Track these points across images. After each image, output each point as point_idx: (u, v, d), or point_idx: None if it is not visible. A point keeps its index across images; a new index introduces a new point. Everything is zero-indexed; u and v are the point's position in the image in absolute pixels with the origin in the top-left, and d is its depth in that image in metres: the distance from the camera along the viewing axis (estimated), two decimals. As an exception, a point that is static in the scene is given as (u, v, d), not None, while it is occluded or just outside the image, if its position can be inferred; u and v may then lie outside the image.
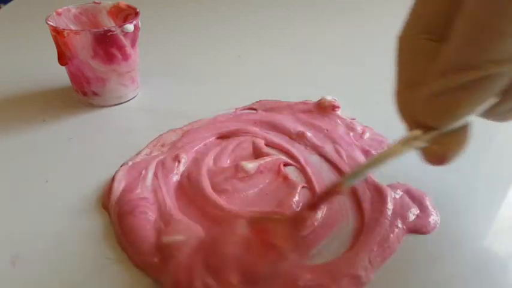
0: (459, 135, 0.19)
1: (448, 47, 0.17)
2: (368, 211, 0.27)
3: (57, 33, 0.35)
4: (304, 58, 0.50)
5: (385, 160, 0.20)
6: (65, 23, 0.39)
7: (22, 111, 0.39)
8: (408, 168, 0.33)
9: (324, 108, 0.36)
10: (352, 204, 0.28)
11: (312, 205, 0.23)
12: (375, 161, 0.20)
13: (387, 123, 0.38)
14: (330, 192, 0.22)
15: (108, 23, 0.42)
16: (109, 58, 0.37)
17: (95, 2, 0.41)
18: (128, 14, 0.40)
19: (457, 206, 0.29)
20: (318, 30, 0.59)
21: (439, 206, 0.29)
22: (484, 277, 0.24)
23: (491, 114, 0.19)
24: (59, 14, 0.39)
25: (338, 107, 0.37)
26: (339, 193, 0.21)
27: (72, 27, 0.40)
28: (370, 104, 0.40)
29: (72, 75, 0.39)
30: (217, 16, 0.64)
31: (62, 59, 0.37)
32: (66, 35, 0.35)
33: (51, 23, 0.36)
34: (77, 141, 0.35)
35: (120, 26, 0.36)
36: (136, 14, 0.38)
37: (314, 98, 0.38)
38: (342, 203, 0.28)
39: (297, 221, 0.24)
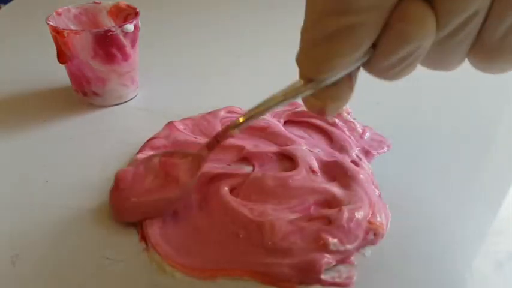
0: (338, 90, 0.20)
1: None
2: None
3: (57, 33, 0.35)
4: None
5: (268, 106, 0.22)
6: (65, 23, 0.39)
7: (22, 111, 0.39)
8: (408, 169, 0.33)
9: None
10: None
11: (209, 145, 0.27)
12: (260, 107, 0.22)
13: (387, 123, 0.38)
14: (223, 135, 0.26)
15: (108, 23, 0.41)
16: (109, 58, 0.37)
17: (95, 2, 0.41)
18: (127, 14, 0.40)
19: (457, 206, 0.29)
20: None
21: (439, 206, 0.29)
22: (483, 277, 0.24)
23: (371, 69, 0.19)
24: (59, 14, 0.39)
25: (349, 112, 0.37)
26: (231, 136, 0.25)
27: (72, 27, 0.40)
28: (370, 104, 0.40)
29: (72, 75, 0.39)
30: (217, 16, 0.64)
31: (61, 57, 0.37)
32: (66, 35, 0.35)
33: (51, 23, 0.36)
34: (77, 141, 0.35)
35: (120, 26, 0.36)
36: (136, 14, 0.38)
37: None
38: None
39: (197, 159, 0.27)
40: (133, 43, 0.38)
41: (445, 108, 0.41)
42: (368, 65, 0.19)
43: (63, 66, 0.39)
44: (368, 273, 0.24)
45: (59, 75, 0.41)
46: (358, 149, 0.33)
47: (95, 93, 0.39)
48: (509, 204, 0.29)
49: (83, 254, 0.25)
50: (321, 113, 0.21)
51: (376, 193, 0.29)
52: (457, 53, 0.18)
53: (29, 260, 0.25)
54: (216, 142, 0.26)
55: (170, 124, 0.35)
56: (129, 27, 0.36)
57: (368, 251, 0.26)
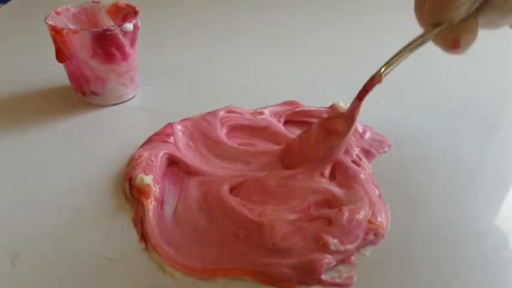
0: (466, 24, 0.23)
1: None
2: None
3: (56, 33, 0.35)
4: (304, 58, 0.50)
5: (406, 51, 0.26)
6: (64, 22, 0.39)
7: (21, 111, 0.39)
8: (408, 169, 0.33)
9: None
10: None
11: (360, 95, 0.29)
12: (400, 53, 0.26)
13: (387, 123, 0.38)
14: (371, 82, 0.28)
15: (108, 23, 0.41)
16: (108, 58, 0.37)
17: (94, 1, 0.41)
18: (127, 13, 0.40)
19: (457, 206, 0.29)
20: (318, 29, 0.59)
21: (439, 206, 0.29)
22: (483, 277, 0.24)
23: (489, 11, 0.22)
24: (58, 14, 0.39)
25: None
26: (379, 81, 0.27)
27: (71, 27, 0.40)
28: (370, 104, 0.40)
29: (71, 75, 0.39)
30: (217, 16, 0.64)
31: (60, 56, 0.37)
32: (65, 34, 0.35)
33: (50, 22, 0.36)
34: (76, 141, 0.35)
35: (120, 26, 0.36)
36: (136, 13, 0.38)
37: (314, 98, 0.38)
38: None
39: (349, 111, 0.30)
40: (132, 42, 0.38)
41: (445, 108, 0.41)
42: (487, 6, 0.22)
43: (62, 66, 0.39)
44: (368, 273, 0.24)
45: (58, 75, 0.41)
46: (358, 149, 0.33)
47: (94, 93, 0.39)
48: (509, 204, 0.29)
49: (82, 254, 0.25)
50: (455, 45, 0.24)
51: (377, 193, 0.29)
52: None
53: (28, 261, 0.25)
54: (365, 92, 0.28)
55: (169, 126, 0.35)
56: (129, 26, 0.36)
57: (368, 251, 0.25)
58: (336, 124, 0.30)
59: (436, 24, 0.23)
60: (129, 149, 0.33)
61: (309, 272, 0.23)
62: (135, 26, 0.37)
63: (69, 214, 0.28)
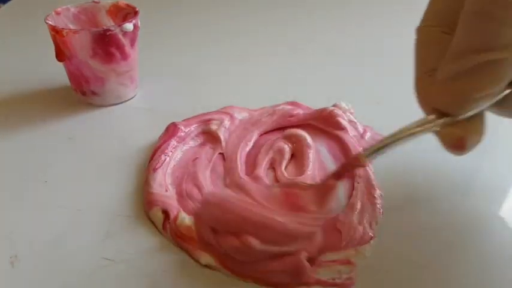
0: (474, 124, 0.20)
1: (456, 35, 0.18)
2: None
3: (56, 33, 0.35)
4: (304, 58, 0.50)
5: (400, 139, 0.22)
6: (64, 22, 0.39)
7: (21, 111, 0.39)
8: (408, 169, 0.33)
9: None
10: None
11: (337, 174, 0.26)
12: (391, 138, 0.22)
13: (387, 123, 0.38)
14: (351, 164, 0.26)
15: (108, 22, 0.41)
16: (108, 57, 0.37)
17: (94, 1, 0.41)
18: (127, 13, 0.40)
19: (457, 206, 0.29)
20: (318, 30, 0.59)
21: (438, 206, 0.29)
22: (483, 277, 0.24)
23: (505, 107, 0.19)
24: (58, 13, 0.39)
25: (352, 112, 0.36)
26: (361, 165, 0.25)
27: (71, 27, 0.40)
28: (370, 104, 0.40)
29: (71, 75, 0.39)
30: (217, 16, 0.64)
31: (60, 55, 0.37)
32: (65, 34, 0.35)
33: (50, 22, 0.36)
34: (76, 141, 0.35)
35: (120, 25, 0.36)
36: (136, 13, 0.38)
37: (314, 98, 0.38)
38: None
39: (324, 189, 0.26)
40: (132, 42, 0.38)
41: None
42: (505, 103, 0.19)
43: (62, 66, 0.39)
44: (368, 273, 0.24)
45: (58, 75, 0.41)
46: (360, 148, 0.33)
47: (94, 93, 0.39)
48: (510, 204, 0.29)
49: (82, 254, 0.25)
50: (460, 145, 0.21)
51: (378, 193, 0.29)
52: None
53: (28, 261, 0.25)
54: (344, 171, 0.26)
55: (173, 125, 0.34)
56: (129, 26, 0.36)
57: (368, 251, 0.25)
58: (303, 200, 0.26)
59: (443, 114, 0.20)
60: (129, 149, 0.33)
61: (297, 273, 0.23)
62: (135, 26, 0.37)
63: (69, 214, 0.28)
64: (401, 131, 0.22)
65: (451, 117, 0.19)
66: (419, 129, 0.21)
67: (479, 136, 0.20)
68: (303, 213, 0.25)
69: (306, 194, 0.26)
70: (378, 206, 0.28)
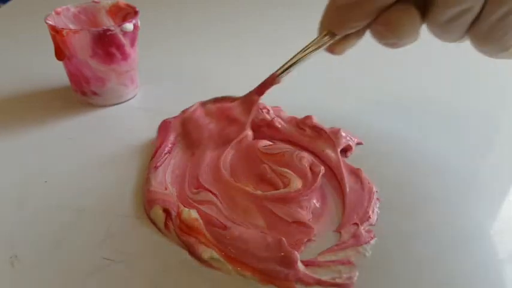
0: (349, 40, 0.27)
1: None
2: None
3: (56, 33, 0.35)
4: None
5: (303, 57, 0.28)
6: (64, 22, 0.39)
7: (21, 111, 0.39)
8: (407, 170, 0.33)
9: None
10: (334, 189, 0.30)
11: (258, 91, 0.32)
12: (296, 57, 0.29)
13: (387, 123, 0.38)
14: (269, 81, 0.31)
15: (108, 22, 0.41)
16: (108, 58, 0.37)
17: (94, 1, 0.41)
18: (127, 13, 0.40)
19: (457, 206, 0.29)
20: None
21: (438, 206, 0.29)
22: (483, 277, 0.24)
23: (431, 26, 0.23)
24: (58, 13, 0.39)
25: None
26: (277, 82, 0.30)
27: (71, 27, 0.40)
28: (370, 104, 0.40)
29: (71, 75, 0.39)
30: (217, 15, 0.64)
31: (59, 54, 0.37)
32: (65, 34, 0.35)
33: (50, 22, 0.36)
34: (76, 141, 0.35)
35: (120, 25, 0.36)
36: (136, 13, 0.38)
37: (314, 99, 0.38)
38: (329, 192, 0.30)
39: (248, 102, 0.32)
40: (132, 42, 0.38)
41: (445, 108, 0.40)
42: (428, 21, 0.23)
43: (62, 66, 0.39)
44: (368, 273, 0.24)
45: (58, 75, 0.41)
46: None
47: (94, 93, 0.39)
48: (510, 204, 0.29)
49: (82, 254, 0.25)
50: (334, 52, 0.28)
51: (375, 191, 0.29)
52: (456, 32, 0.23)
53: (28, 261, 0.25)
54: (264, 89, 0.31)
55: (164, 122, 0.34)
56: (129, 26, 0.36)
57: (368, 251, 0.25)
58: (234, 112, 0.32)
59: (332, 34, 0.26)
60: (129, 149, 0.33)
61: (287, 262, 0.24)
62: (135, 26, 0.37)
63: (69, 214, 0.28)
64: (303, 50, 0.28)
65: (337, 35, 0.26)
66: (316, 46, 0.27)
67: (350, 46, 0.27)
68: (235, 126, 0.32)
69: (234, 106, 0.33)
70: None
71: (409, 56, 0.50)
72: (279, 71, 0.30)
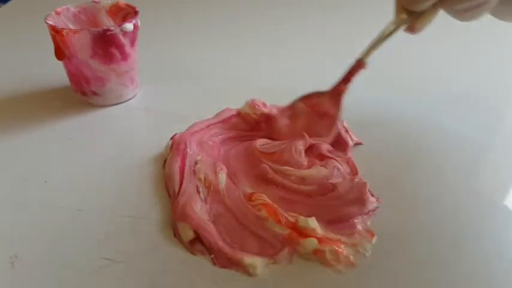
0: (424, 17, 0.28)
1: None
2: None
3: (56, 33, 0.35)
4: (306, 58, 0.50)
5: (384, 37, 0.30)
6: (64, 22, 0.39)
7: (21, 111, 0.39)
8: (408, 169, 0.33)
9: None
10: None
11: (345, 79, 0.33)
12: (377, 40, 0.30)
13: (387, 123, 0.38)
14: (355, 67, 0.32)
15: (108, 22, 0.41)
16: (108, 58, 0.37)
17: (94, 1, 0.41)
18: (127, 13, 0.40)
19: (457, 206, 0.29)
20: (319, 29, 0.59)
21: (438, 206, 0.29)
22: (483, 277, 0.24)
23: (449, 9, 0.26)
24: (58, 13, 0.39)
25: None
26: (363, 66, 0.32)
27: (71, 27, 0.40)
28: (370, 104, 0.40)
29: (71, 75, 0.39)
30: (217, 16, 0.64)
31: (59, 54, 0.37)
32: (65, 34, 0.35)
33: (50, 22, 0.36)
34: (76, 141, 0.35)
35: (120, 25, 0.36)
36: (136, 13, 0.38)
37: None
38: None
39: (337, 93, 0.33)
40: (132, 42, 0.38)
41: (445, 108, 0.40)
42: (446, 5, 0.26)
43: (62, 66, 0.39)
44: (368, 273, 0.24)
45: (58, 75, 0.41)
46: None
47: (94, 93, 0.39)
48: (509, 204, 0.29)
49: (82, 254, 0.25)
50: (411, 29, 0.29)
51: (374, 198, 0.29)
52: None
53: (28, 261, 0.25)
54: (350, 76, 0.32)
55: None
56: (129, 26, 0.36)
57: (368, 251, 0.25)
58: (324, 107, 0.33)
59: (407, 12, 0.28)
60: (129, 149, 0.33)
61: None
62: (135, 26, 0.37)
63: (69, 214, 0.28)
64: (382, 32, 0.30)
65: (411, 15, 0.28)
66: (394, 26, 0.29)
67: (425, 26, 0.28)
68: (327, 120, 0.33)
69: (323, 100, 0.33)
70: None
71: (407, 55, 0.50)
72: (364, 56, 0.31)
